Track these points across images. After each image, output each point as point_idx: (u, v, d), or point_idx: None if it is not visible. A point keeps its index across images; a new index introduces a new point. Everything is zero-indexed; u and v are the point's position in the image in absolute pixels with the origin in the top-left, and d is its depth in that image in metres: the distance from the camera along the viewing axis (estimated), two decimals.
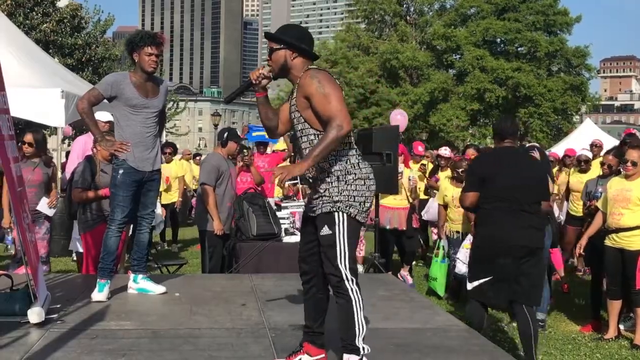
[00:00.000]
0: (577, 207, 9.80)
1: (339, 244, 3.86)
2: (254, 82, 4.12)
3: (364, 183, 3.94)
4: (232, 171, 7.76)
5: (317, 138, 3.93)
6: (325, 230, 3.90)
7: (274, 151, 10.32)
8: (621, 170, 7.02)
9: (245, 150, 9.30)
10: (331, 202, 3.89)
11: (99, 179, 6.74)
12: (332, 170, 3.91)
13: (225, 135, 7.82)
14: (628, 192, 6.67)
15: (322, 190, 3.93)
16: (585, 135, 19.48)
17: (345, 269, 3.85)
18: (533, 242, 5.60)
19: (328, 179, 3.92)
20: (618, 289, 6.84)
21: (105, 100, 5.63)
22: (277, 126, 4.27)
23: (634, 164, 6.67)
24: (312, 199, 4.02)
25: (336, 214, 3.88)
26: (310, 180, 4.03)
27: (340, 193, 3.88)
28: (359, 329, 3.84)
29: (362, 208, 3.93)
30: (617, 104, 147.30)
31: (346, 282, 3.85)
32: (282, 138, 12.96)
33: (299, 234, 8.01)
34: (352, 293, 3.85)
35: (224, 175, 7.53)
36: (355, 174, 3.93)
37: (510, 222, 5.56)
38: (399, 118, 18.40)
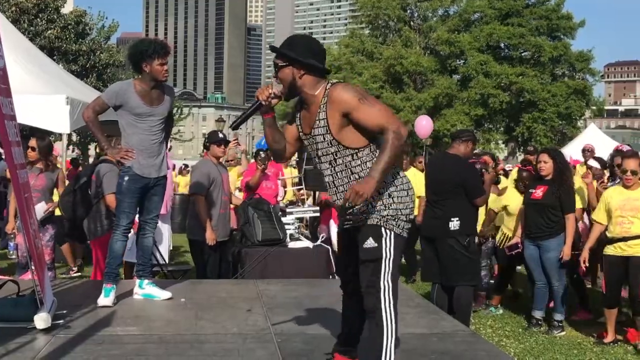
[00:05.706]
0: None
1: (385, 259, 3.57)
2: (263, 103, 3.68)
3: (407, 194, 3.67)
4: (224, 176, 7.54)
5: (355, 159, 3.62)
6: (370, 243, 3.58)
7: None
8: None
9: (261, 153, 9.33)
10: (378, 216, 3.60)
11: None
12: None
13: (205, 139, 7.75)
14: (636, 201, 6.81)
15: (364, 205, 3.59)
16: (590, 140, 19.46)
17: (387, 287, 3.56)
18: (434, 232, 6.65)
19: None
20: (616, 297, 6.99)
21: (111, 108, 5.68)
22: (285, 148, 3.89)
23: (634, 172, 6.81)
24: (350, 212, 3.68)
25: (383, 229, 3.59)
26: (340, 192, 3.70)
27: (388, 207, 3.59)
28: (385, 358, 3.55)
29: (407, 219, 3.67)
30: (621, 108, 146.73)
31: (382, 303, 3.55)
32: (290, 167, 12.94)
33: (304, 239, 8.03)
34: (386, 318, 3.55)
35: (215, 182, 7.32)
36: (397, 185, 3.64)
37: (426, 214, 6.89)
38: (424, 124, 18.62)
